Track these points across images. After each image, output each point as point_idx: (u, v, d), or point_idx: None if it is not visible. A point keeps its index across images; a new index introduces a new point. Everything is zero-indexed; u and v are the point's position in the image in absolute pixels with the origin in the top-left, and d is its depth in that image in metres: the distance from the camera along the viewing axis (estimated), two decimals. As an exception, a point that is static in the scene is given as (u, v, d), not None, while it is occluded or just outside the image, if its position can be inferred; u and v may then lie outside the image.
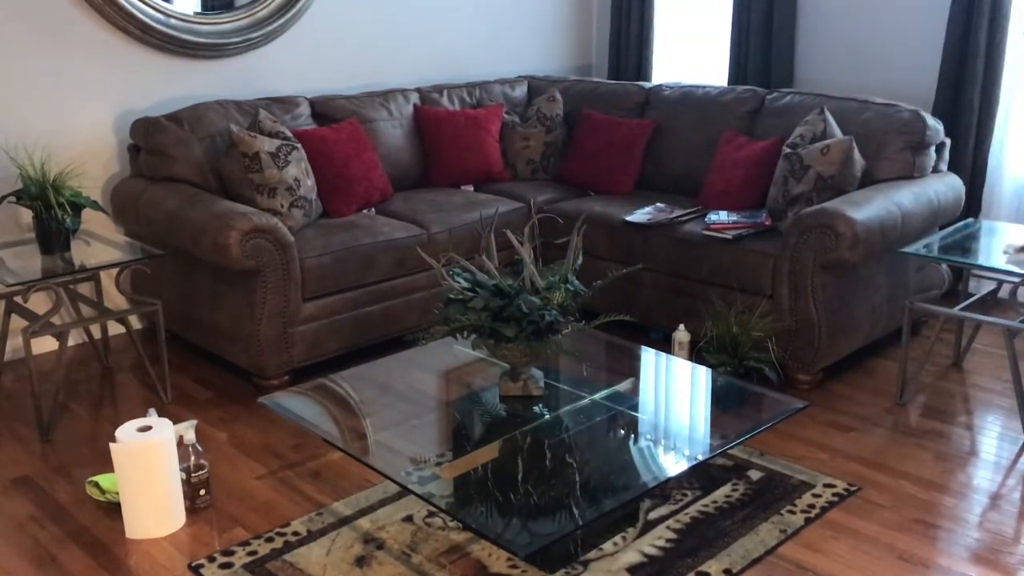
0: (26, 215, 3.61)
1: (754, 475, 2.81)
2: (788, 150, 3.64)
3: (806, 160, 3.55)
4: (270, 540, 2.51)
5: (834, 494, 2.71)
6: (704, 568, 2.36)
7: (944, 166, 3.86)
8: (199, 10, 4.09)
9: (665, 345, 3.56)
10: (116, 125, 3.93)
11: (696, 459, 2.42)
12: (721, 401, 2.74)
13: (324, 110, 4.22)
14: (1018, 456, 2.94)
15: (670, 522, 2.56)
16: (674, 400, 2.75)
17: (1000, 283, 3.58)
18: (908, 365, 3.33)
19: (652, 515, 2.59)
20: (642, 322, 3.83)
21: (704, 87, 4.49)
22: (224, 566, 2.40)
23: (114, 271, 3.62)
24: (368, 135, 4.20)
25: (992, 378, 3.53)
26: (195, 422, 2.71)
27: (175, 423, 2.64)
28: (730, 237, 3.56)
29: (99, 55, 3.83)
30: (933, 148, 3.74)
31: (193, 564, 2.42)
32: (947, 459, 2.93)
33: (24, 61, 3.64)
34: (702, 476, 2.80)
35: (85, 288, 3.75)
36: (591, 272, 3.60)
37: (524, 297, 2.51)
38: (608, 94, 4.74)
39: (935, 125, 3.69)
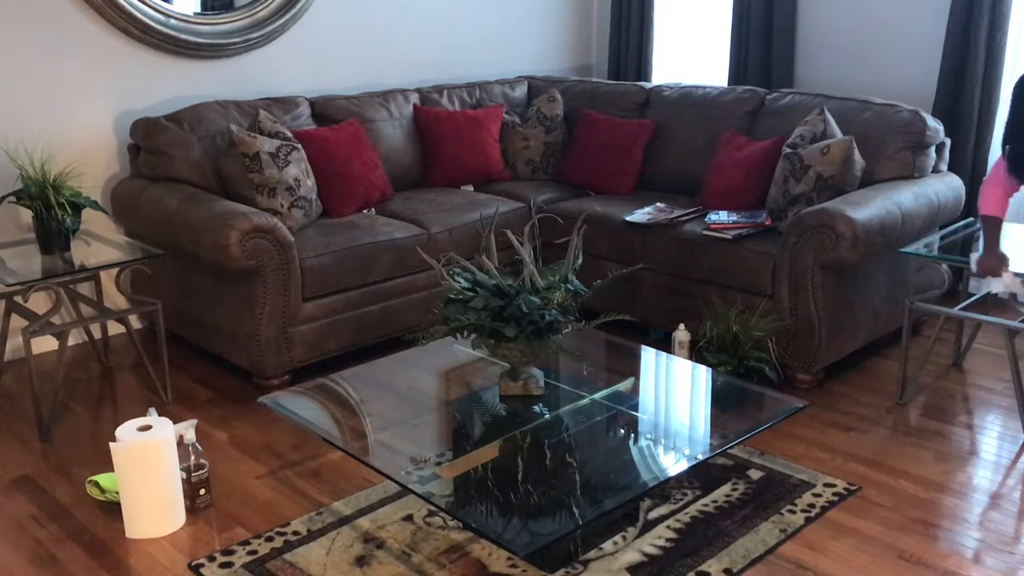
0: (26, 215, 3.61)
1: (754, 475, 2.81)
2: (788, 150, 3.64)
3: (806, 160, 3.55)
4: (270, 540, 2.51)
5: (834, 494, 2.71)
6: (704, 568, 2.36)
7: (944, 166, 3.86)
8: (199, 10, 4.10)
9: (665, 345, 3.56)
10: (116, 125, 3.93)
11: (696, 459, 2.43)
12: (721, 401, 2.74)
13: (324, 110, 4.22)
14: (1018, 456, 2.94)
15: (670, 522, 2.56)
16: (674, 400, 2.75)
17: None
18: (908, 365, 3.33)
19: (652, 515, 2.59)
20: (642, 322, 3.83)
21: (704, 87, 4.49)
22: (224, 565, 2.40)
23: (114, 271, 3.62)
24: (368, 135, 4.20)
25: (992, 378, 3.53)
26: (195, 422, 2.71)
27: (175, 423, 2.64)
28: (730, 237, 3.56)
29: (99, 55, 3.83)
30: (933, 148, 3.75)
31: (193, 564, 2.42)
32: (947, 459, 2.93)
33: (24, 61, 3.64)
34: (702, 476, 2.80)
35: (85, 288, 3.75)
36: (591, 272, 3.60)
37: (524, 297, 2.51)
38: (608, 94, 4.74)
39: (935, 125, 3.69)
